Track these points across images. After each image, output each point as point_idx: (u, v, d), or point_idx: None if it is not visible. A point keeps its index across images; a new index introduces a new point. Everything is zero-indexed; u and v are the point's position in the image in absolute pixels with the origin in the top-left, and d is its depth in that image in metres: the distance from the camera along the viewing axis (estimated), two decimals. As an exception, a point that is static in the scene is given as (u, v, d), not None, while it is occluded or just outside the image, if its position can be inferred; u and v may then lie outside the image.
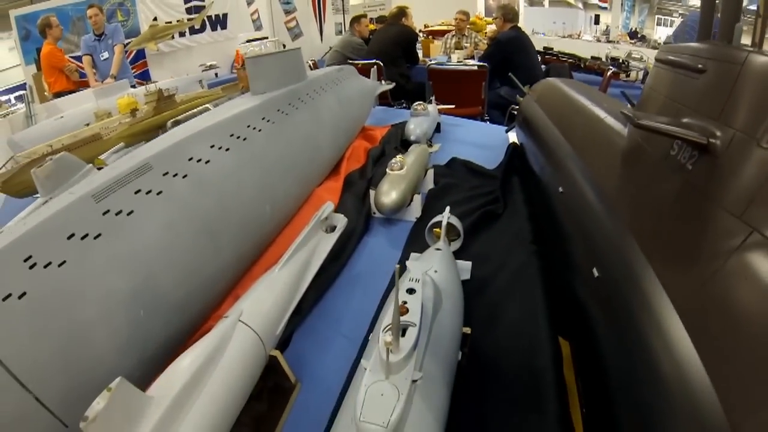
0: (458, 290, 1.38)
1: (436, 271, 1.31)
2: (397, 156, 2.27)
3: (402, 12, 6.70)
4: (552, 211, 1.91)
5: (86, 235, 1.24)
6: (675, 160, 1.18)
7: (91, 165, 2.42)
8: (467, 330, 1.34)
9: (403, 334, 0.87)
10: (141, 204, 1.40)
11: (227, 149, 1.83)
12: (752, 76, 1.04)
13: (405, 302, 0.96)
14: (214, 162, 1.73)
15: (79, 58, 6.81)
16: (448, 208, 1.77)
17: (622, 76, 9.61)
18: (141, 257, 1.32)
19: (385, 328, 0.86)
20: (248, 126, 2.03)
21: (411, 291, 1.00)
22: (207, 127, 1.86)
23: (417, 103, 3.41)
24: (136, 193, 1.42)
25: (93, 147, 3.17)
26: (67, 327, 1.10)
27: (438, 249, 1.53)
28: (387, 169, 2.20)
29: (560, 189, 1.83)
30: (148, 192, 1.45)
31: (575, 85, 2.78)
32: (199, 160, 1.68)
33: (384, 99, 5.14)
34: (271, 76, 2.49)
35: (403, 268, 1.13)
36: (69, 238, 1.21)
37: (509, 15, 6.64)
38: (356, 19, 7.26)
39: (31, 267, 1.10)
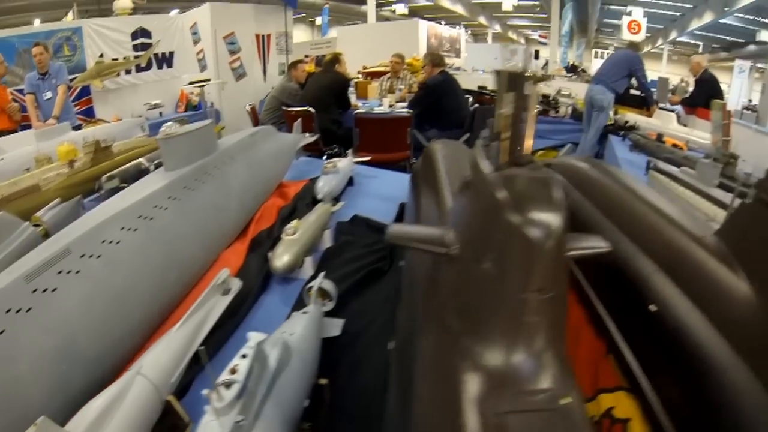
0: (313, 349, 1.73)
1: (292, 334, 1.70)
2: (293, 221, 2.67)
3: (335, 59, 7.19)
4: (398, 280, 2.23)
5: (20, 310, 1.62)
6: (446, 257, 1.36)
7: (28, 223, 2.75)
8: (324, 381, 1.68)
9: (230, 387, 1.29)
10: (63, 282, 1.80)
11: (135, 229, 2.23)
12: (479, 195, 1.19)
13: (237, 364, 1.37)
14: (124, 242, 2.13)
15: (23, 92, 6.95)
16: (322, 274, 2.15)
17: (552, 112, 10.33)
18: (63, 324, 1.70)
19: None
20: (155, 206, 2.42)
21: (244, 356, 1.42)
22: (118, 211, 2.26)
23: (327, 161, 3.80)
24: (58, 273, 1.81)
25: (31, 199, 3.40)
26: (5, 380, 1.47)
27: (305, 312, 1.90)
28: (282, 235, 2.58)
29: (401, 262, 2.19)
30: (68, 272, 1.84)
31: (455, 150, 2.71)
32: (111, 242, 2.08)
33: (315, 145, 5.46)
34: (182, 154, 2.82)
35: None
36: (6, 312, 1.59)
37: (437, 60, 7.29)
38: (293, 65, 7.67)
39: None
